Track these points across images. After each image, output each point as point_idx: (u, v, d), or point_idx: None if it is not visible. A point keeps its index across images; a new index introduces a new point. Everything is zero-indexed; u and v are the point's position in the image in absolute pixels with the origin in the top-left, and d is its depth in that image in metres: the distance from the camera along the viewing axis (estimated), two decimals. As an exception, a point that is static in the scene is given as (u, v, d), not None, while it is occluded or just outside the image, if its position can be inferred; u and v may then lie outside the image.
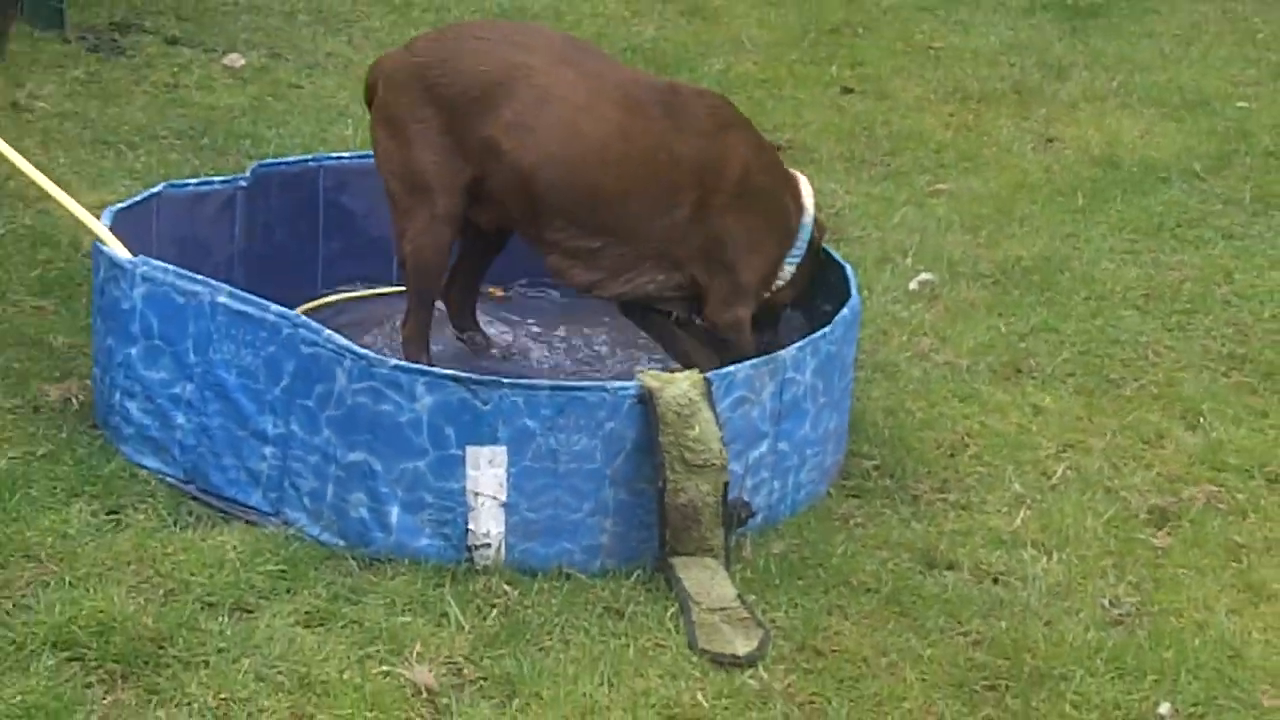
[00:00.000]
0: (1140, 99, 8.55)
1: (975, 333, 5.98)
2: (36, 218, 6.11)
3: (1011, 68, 8.93)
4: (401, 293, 5.33)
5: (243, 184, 5.44)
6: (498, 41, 4.98)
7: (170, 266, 4.64)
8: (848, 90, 8.50)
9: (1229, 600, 4.61)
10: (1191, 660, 4.33)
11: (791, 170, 5.21)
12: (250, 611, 4.18)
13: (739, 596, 4.39)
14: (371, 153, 5.52)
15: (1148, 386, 5.74)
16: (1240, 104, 8.57)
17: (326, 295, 5.67)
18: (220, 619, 4.13)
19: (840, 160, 7.54)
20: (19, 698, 3.76)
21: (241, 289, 5.16)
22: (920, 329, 5.99)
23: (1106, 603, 4.56)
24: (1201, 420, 5.53)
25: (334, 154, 5.81)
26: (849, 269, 5.17)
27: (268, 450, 4.50)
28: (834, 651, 4.26)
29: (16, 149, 5.26)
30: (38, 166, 5.28)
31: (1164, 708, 4.14)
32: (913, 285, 6.32)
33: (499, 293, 5.80)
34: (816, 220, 5.12)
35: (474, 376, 4.35)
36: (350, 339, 5.22)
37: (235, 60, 8.03)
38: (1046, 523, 4.90)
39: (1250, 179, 7.58)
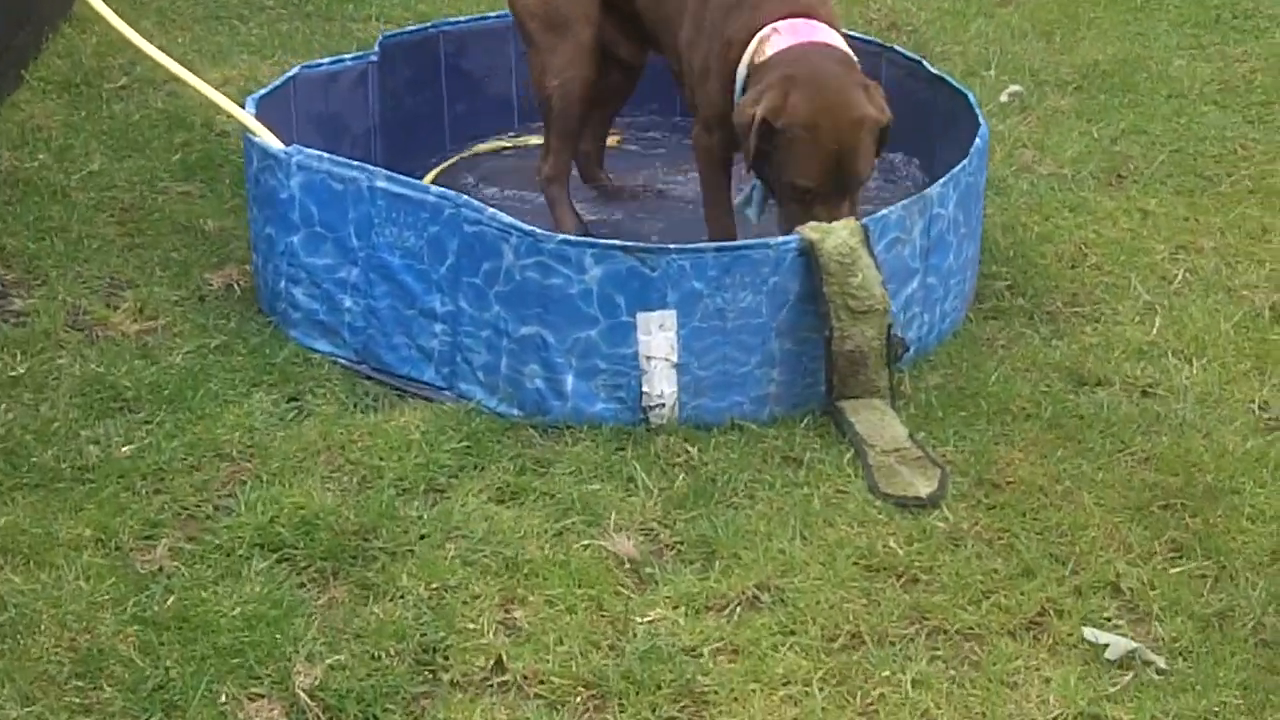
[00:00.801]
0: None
1: (1071, 141, 5.44)
2: (167, 100, 5.55)
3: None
4: (524, 145, 4.94)
5: (373, 59, 4.88)
6: None
7: (325, 154, 4.11)
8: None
9: (1374, 397, 4.13)
10: (1354, 463, 3.86)
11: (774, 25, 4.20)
12: (443, 492, 3.71)
13: (910, 435, 3.91)
14: (485, 15, 5.18)
15: (1242, 181, 5.21)
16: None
17: (455, 154, 5.13)
18: (417, 504, 3.66)
19: (906, -24, 6.92)
20: (238, 609, 3.30)
21: (382, 159, 4.72)
22: (1020, 141, 5.44)
23: (1257, 408, 4.08)
24: (1302, 212, 5.01)
25: (451, 19, 5.22)
26: (972, 95, 4.62)
27: (437, 327, 4.00)
28: (1009, 483, 3.79)
29: (136, 30, 4.69)
30: (160, 48, 4.71)
31: (1344, 519, 3.67)
32: (1003, 98, 5.76)
33: (616, 138, 5.25)
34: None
35: (641, 245, 3.84)
36: (485, 191, 4.80)
37: (325, -74, 7.37)
38: (1180, 329, 4.40)
39: (1293, -36, 6.95)
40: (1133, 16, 6.47)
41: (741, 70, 4.14)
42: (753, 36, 4.13)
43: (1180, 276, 4.66)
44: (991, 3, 6.63)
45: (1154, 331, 4.38)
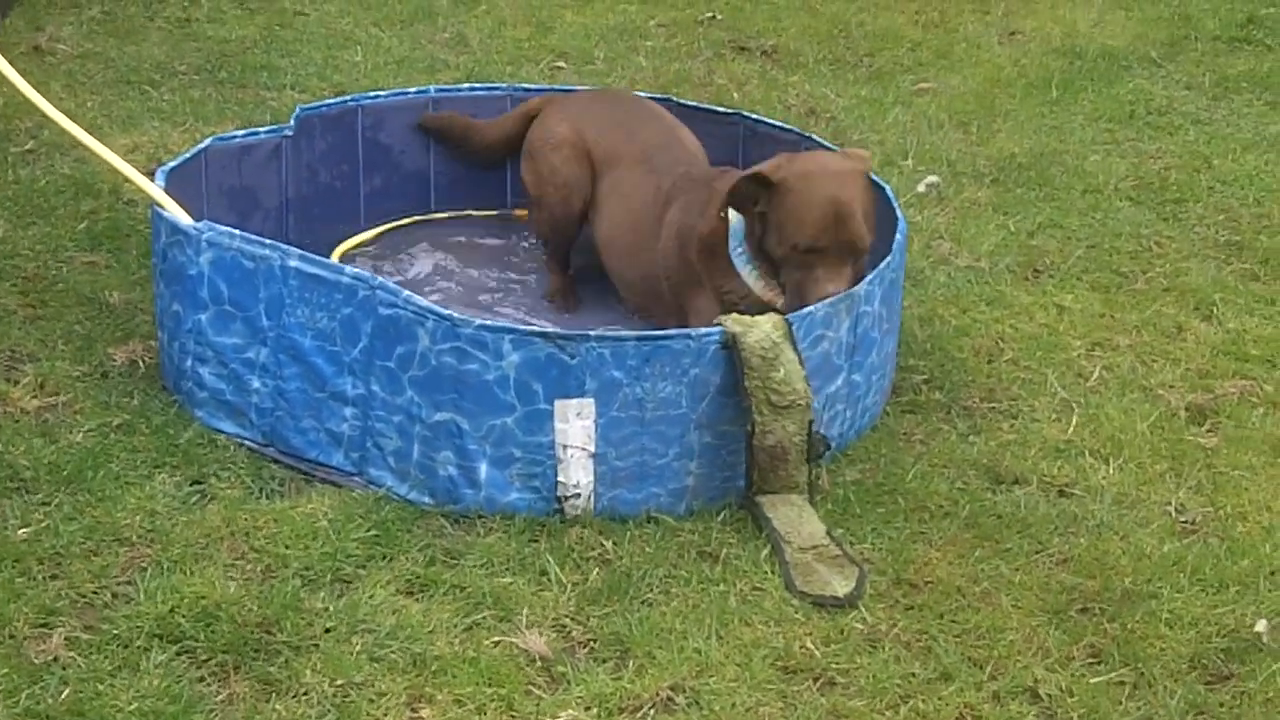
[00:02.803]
0: (1087, -12, 7.94)
1: (987, 234, 5.41)
2: (74, 166, 5.41)
3: (963, -37, 8.28)
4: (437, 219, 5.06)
5: (288, 132, 4.78)
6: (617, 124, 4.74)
7: (236, 231, 4.00)
8: (816, -8, 7.83)
9: (1287, 500, 4.11)
10: (1268, 567, 3.84)
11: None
12: (350, 583, 3.61)
13: (828, 532, 3.84)
14: (405, 90, 5.17)
15: (1157, 279, 5.20)
16: (1178, -11, 7.97)
17: (369, 230, 5.04)
18: (322, 595, 3.55)
19: (825, 64, 6.90)
20: (135, 704, 3.19)
21: (295, 234, 4.63)
22: (937, 233, 5.41)
23: (1173, 511, 4.05)
24: (1215, 311, 5.00)
25: (369, 94, 5.13)
26: (889, 189, 4.58)
27: (348, 411, 3.90)
28: (927, 583, 3.73)
29: (43, 94, 4.56)
30: (67, 113, 4.59)
31: (1261, 625, 3.64)
32: (920, 188, 5.73)
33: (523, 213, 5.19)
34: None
35: (560, 331, 3.76)
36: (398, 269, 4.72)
37: (241, -9, 7.29)
38: (1097, 428, 4.37)
39: (1203, 64, 7.00)
40: (1048, 109, 6.47)
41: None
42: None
43: (1097, 374, 4.64)
44: (908, 91, 6.62)
45: (1071, 430, 4.35)
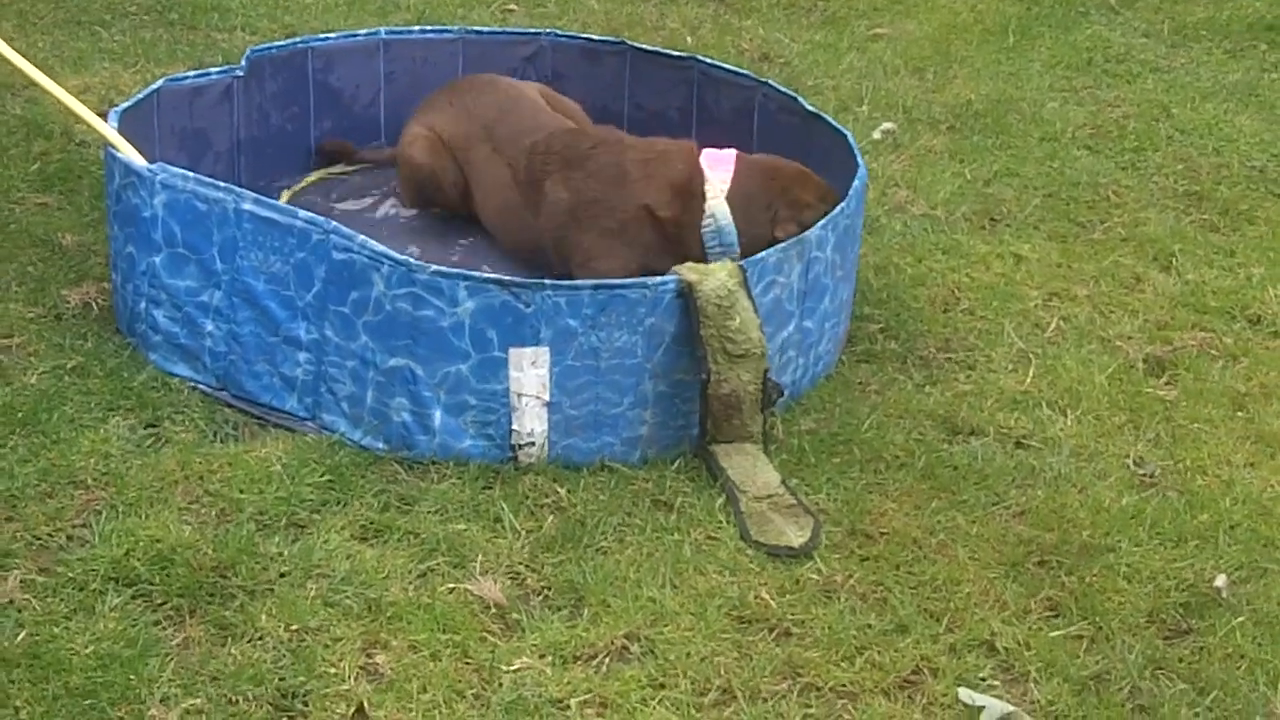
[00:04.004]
0: (1045, -67, 7.93)
1: (944, 182, 5.43)
2: (26, 107, 5.37)
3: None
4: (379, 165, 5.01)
5: (239, 73, 4.74)
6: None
7: (190, 173, 3.98)
8: (773, -64, 7.81)
9: (1245, 454, 4.15)
10: (1227, 521, 3.88)
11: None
12: (305, 528, 3.61)
13: (783, 482, 3.87)
14: (355, 32, 5.14)
15: (1115, 229, 5.24)
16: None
17: (316, 173, 5.01)
18: (277, 540, 3.55)
19: (779, 8, 6.90)
20: (91, 648, 3.19)
21: (245, 176, 4.61)
22: (893, 181, 5.43)
23: (1131, 464, 4.09)
24: (1174, 262, 5.04)
25: (320, 35, 5.09)
26: (850, 135, 4.59)
27: (302, 356, 3.90)
28: (883, 534, 3.76)
29: (-7, 32, 4.52)
30: (20, 52, 4.53)
31: (1220, 580, 3.68)
32: (876, 135, 5.75)
33: None
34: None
35: (516, 279, 3.75)
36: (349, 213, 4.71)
37: (190, -73, 7.20)
38: (1054, 379, 4.40)
39: (1162, 10, 7.03)
40: (1005, 56, 6.49)
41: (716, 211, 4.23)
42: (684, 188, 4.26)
43: (1054, 324, 4.67)
44: (863, 37, 6.63)
45: (1028, 381, 4.38)
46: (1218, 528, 3.84)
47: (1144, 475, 4.04)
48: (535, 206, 4.41)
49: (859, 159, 4.44)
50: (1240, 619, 3.56)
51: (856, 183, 4.33)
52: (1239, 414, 4.31)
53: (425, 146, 4.67)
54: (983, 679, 3.35)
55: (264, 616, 3.32)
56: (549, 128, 4.54)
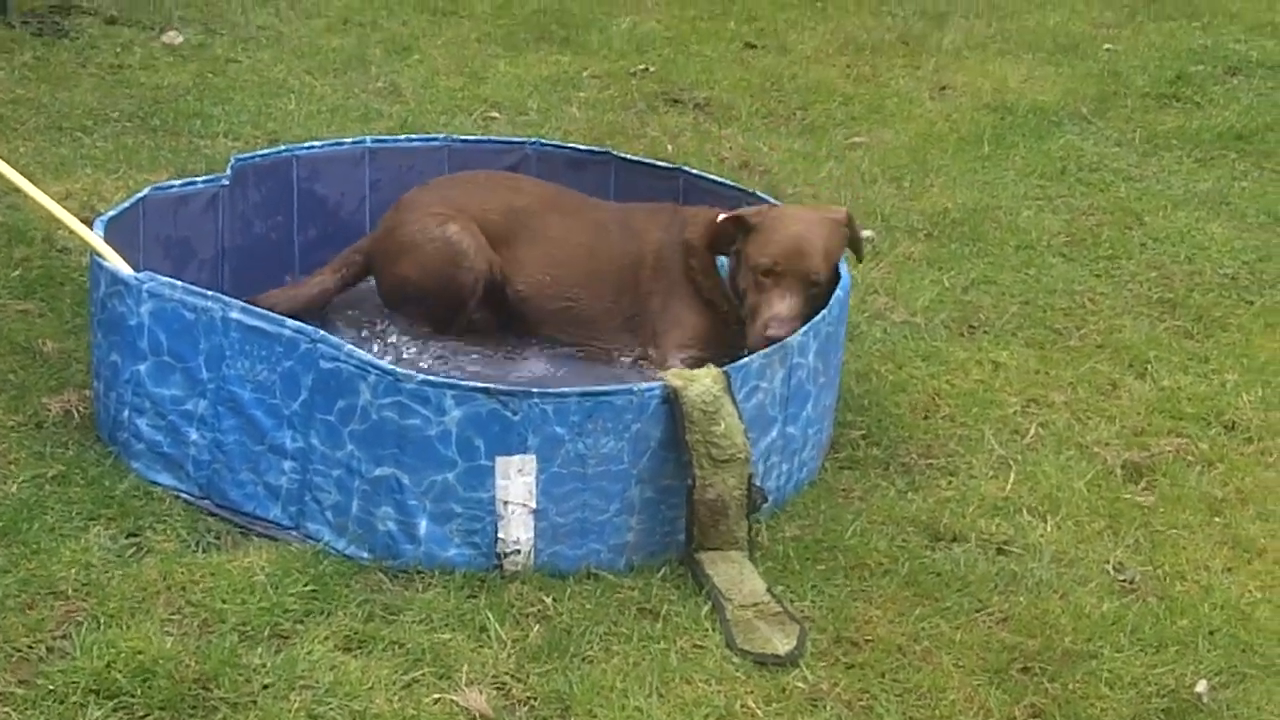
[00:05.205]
0: (1017, 44, 8.05)
1: (923, 289, 5.45)
2: (7, 213, 5.36)
3: (894, 18, 8.37)
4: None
5: (225, 182, 4.74)
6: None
7: (178, 282, 3.96)
8: (750, 45, 7.89)
9: (1222, 559, 4.14)
10: (1206, 627, 3.86)
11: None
12: (288, 639, 3.56)
13: (768, 590, 3.83)
14: (340, 141, 5.14)
15: (1091, 336, 5.25)
16: (1106, 46, 8.08)
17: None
18: (260, 651, 3.50)
19: (758, 117, 6.95)
20: (70, 763, 3.13)
21: (230, 285, 4.59)
22: (872, 288, 5.44)
23: (1111, 569, 4.07)
24: (1149, 369, 5.05)
25: (304, 144, 5.10)
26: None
27: (287, 465, 3.86)
28: (868, 642, 3.73)
29: (-24, 140, 4.52)
30: (2, 157, 4.53)
31: (1201, 685, 3.65)
32: (855, 243, 5.74)
33: None
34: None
35: (502, 387, 3.73)
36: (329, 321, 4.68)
37: (173, 37, 7.26)
38: (1034, 485, 4.39)
39: (1133, 120, 7.11)
40: (980, 165, 6.53)
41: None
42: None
43: (1033, 431, 4.66)
44: (841, 145, 6.66)
45: (1008, 487, 4.37)
46: (1197, 633, 3.82)
47: (1124, 581, 4.02)
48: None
49: (841, 267, 4.45)
50: (1222, 725, 3.53)
51: (839, 291, 4.33)
52: (1216, 519, 4.29)
53: (463, 226, 4.62)
54: (971, 789, 3.31)
55: (247, 729, 3.27)
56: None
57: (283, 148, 5.05)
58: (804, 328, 4.14)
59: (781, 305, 4.26)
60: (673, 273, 4.60)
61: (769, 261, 4.31)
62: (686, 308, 4.57)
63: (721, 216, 4.48)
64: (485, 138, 5.47)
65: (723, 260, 4.56)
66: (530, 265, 4.68)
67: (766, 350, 4.04)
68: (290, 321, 3.86)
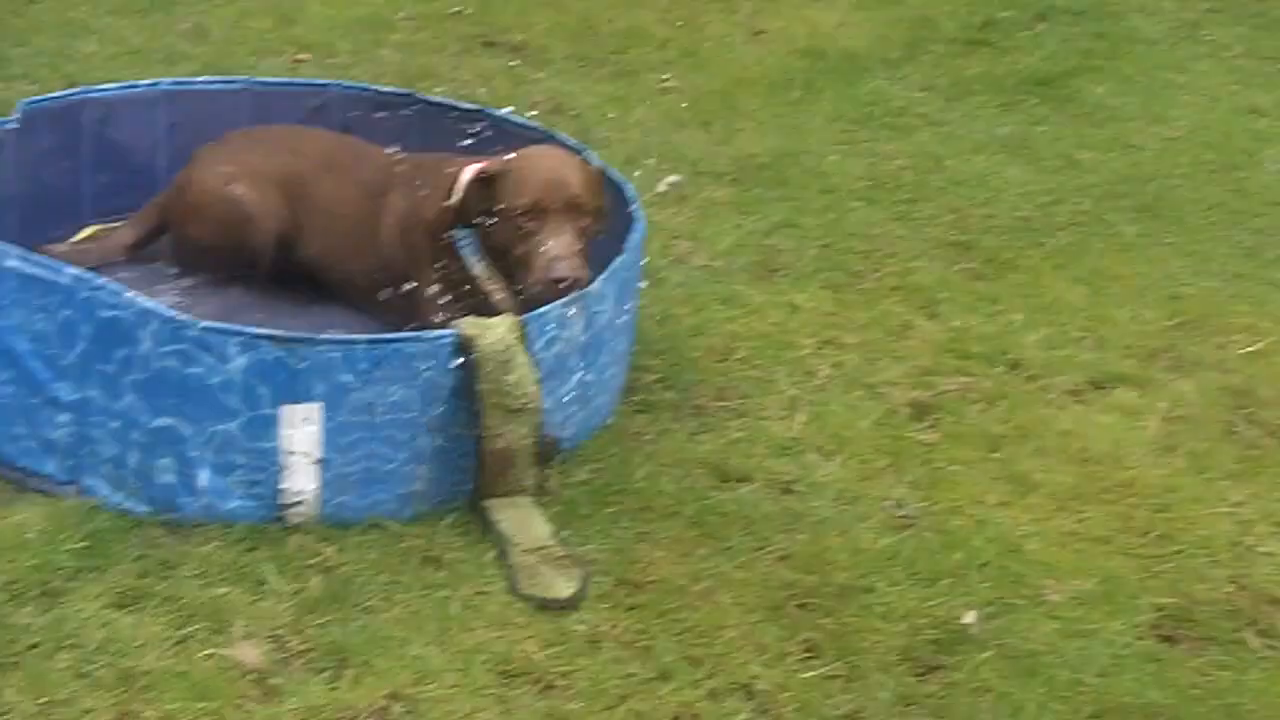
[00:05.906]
0: (830, -11, 7.99)
1: (725, 233, 5.42)
2: None
3: (713, -38, 8.29)
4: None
5: (11, 125, 4.58)
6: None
7: (-52, 232, 3.83)
8: (566, -12, 7.78)
9: (998, 494, 4.17)
10: (978, 560, 3.88)
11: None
12: (58, 597, 3.46)
13: (554, 534, 3.80)
14: (136, 83, 4.94)
15: (886, 278, 5.25)
16: (918, -9, 8.07)
17: (91, 227, 4.83)
18: (28, 610, 3.41)
19: (573, 60, 6.86)
20: None
21: (16, 232, 4.44)
22: (675, 232, 5.40)
23: (892, 505, 4.08)
24: (940, 310, 5.06)
25: (99, 86, 4.93)
26: (629, 188, 4.54)
27: (62, 417, 3.75)
28: (650, 583, 3.71)
29: None
30: None
31: (969, 616, 3.69)
32: (661, 187, 5.71)
33: None
34: None
35: (289, 334, 3.64)
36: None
37: (-29, -22, 7.01)
38: (822, 426, 4.38)
39: (941, 65, 7.09)
40: (789, 110, 6.50)
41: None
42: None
43: (824, 372, 4.66)
44: (654, 90, 6.60)
45: (796, 427, 4.36)
46: (970, 565, 3.85)
47: (902, 517, 4.03)
48: None
49: (636, 211, 4.40)
50: (988, 654, 3.56)
51: (635, 235, 4.28)
52: (994, 455, 4.32)
53: (251, 184, 4.46)
54: (740, 723, 3.31)
55: (10, 691, 3.19)
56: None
57: (75, 90, 4.88)
58: (604, 273, 4.08)
59: (555, 243, 4.01)
60: (419, 249, 4.30)
61: (529, 201, 4.06)
62: (442, 292, 4.25)
63: (467, 175, 4.21)
64: (287, 80, 5.34)
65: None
66: (308, 233, 4.51)
67: (568, 299, 3.96)
68: (69, 268, 3.74)
